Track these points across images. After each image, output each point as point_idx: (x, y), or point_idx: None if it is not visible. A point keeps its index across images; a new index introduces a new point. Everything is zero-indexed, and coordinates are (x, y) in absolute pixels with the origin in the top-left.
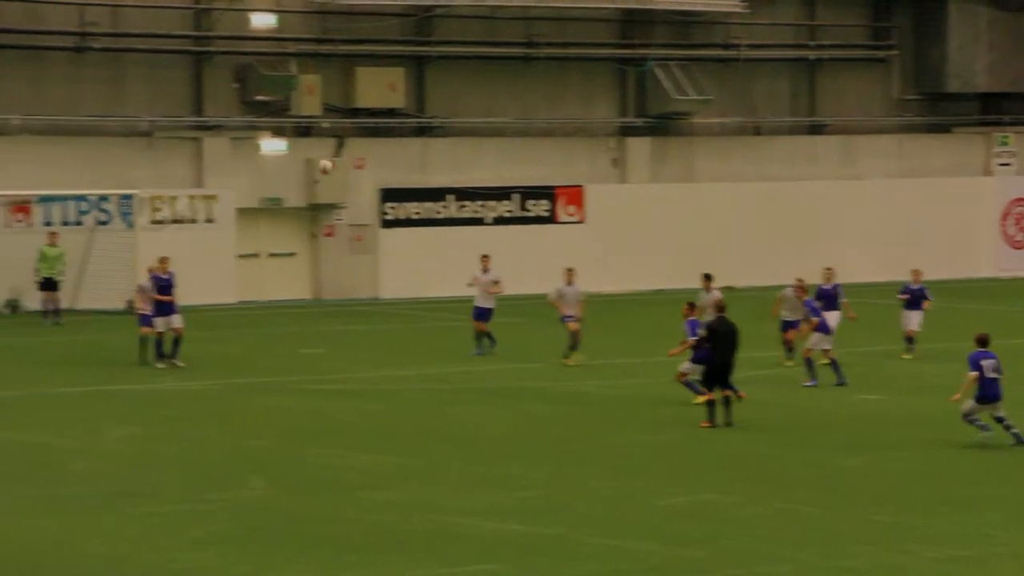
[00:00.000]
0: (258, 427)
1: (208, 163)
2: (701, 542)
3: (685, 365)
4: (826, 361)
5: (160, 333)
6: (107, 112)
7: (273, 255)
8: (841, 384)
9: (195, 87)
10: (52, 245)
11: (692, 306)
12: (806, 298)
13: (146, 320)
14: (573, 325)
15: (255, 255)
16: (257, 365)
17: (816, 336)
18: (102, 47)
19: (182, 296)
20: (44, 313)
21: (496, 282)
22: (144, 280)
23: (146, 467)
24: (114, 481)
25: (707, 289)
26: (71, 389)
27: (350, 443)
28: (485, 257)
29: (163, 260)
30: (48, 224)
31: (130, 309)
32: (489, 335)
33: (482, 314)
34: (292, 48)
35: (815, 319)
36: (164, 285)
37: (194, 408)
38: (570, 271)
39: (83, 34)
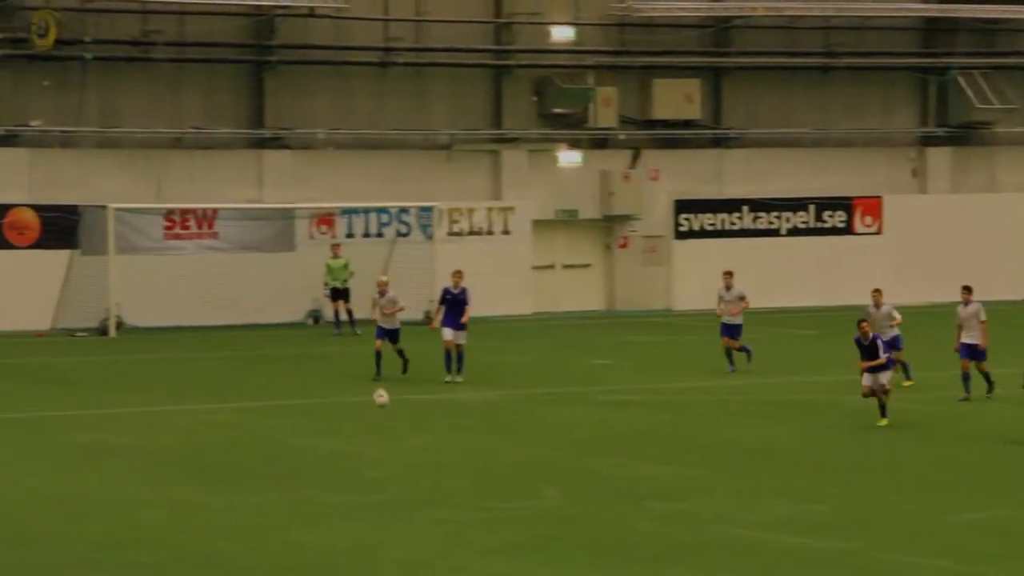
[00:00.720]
0: (550, 437)
1: (506, 175)
2: (1000, 558)
3: (885, 376)
4: None
5: (399, 349)
6: (409, 126)
7: (568, 266)
8: None
9: (494, 100)
10: (335, 257)
11: (864, 321)
12: None
13: (378, 333)
14: (899, 355)
15: (550, 266)
16: (550, 375)
17: None
18: (405, 62)
19: (479, 307)
20: (336, 323)
21: (741, 298)
22: (374, 293)
23: (440, 475)
24: (409, 489)
25: (966, 302)
26: (367, 398)
27: (640, 454)
28: (728, 274)
29: (456, 274)
30: (350, 236)
31: (428, 320)
32: (744, 349)
33: (729, 331)
34: (590, 60)
35: None
36: (453, 299)
37: (487, 418)
38: (877, 292)
39: (387, 49)
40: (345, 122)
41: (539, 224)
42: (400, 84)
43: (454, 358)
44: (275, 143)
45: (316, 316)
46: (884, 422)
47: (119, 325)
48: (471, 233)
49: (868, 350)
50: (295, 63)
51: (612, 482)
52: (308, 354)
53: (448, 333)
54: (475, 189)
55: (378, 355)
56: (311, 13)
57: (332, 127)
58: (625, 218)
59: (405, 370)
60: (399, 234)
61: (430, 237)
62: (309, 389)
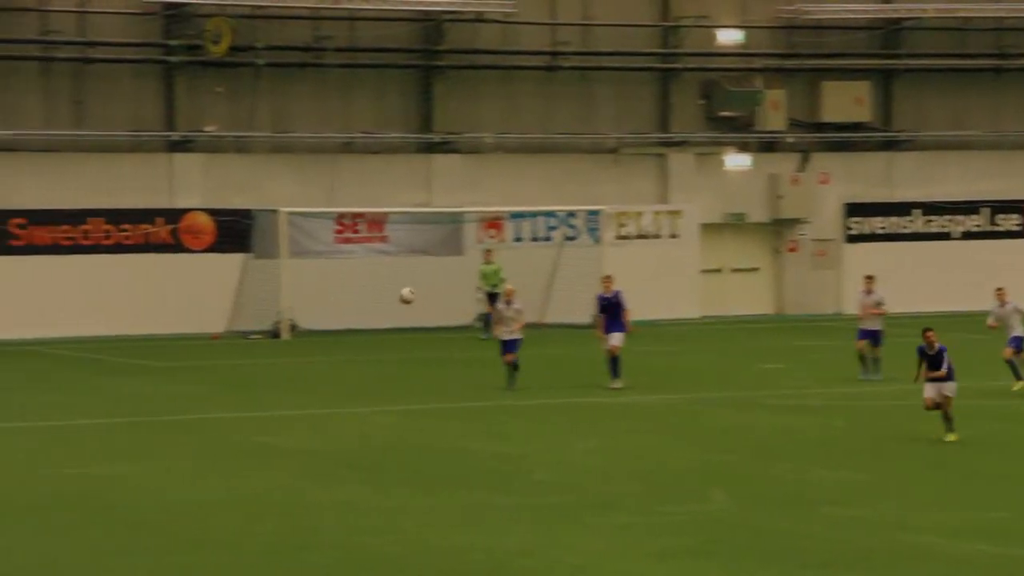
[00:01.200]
0: (719, 441)
1: (673, 179)
2: None
3: (949, 387)
4: None
5: (511, 361)
6: (576, 129)
7: (736, 270)
8: None
9: (661, 104)
10: (488, 263)
11: (930, 330)
12: None
13: (504, 346)
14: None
15: (718, 270)
16: (719, 379)
17: None
18: (572, 66)
19: (647, 311)
20: (484, 326)
21: (879, 304)
22: (502, 302)
23: (608, 478)
24: (577, 492)
25: None
26: (535, 401)
27: (813, 458)
28: (869, 278)
29: (607, 279)
30: (518, 240)
31: (595, 324)
32: (874, 359)
33: (868, 336)
34: (758, 63)
35: None
36: (607, 304)
37: (655, 421)
38: (1000, 291)
39: (555, 53)
40: (513, 126)
41: (707, 228)
42: (567, 88)
43: (613, 363)
44: (444, 147)
45: (486, 319)
46: (952, 437)
47: (292, 328)
48: (639, 237)
49: (933, 360)
50: (463, 67)
51: (783, 486)
52: (476, 357)
53: (604, 339)
54: (642, 193)
55: (509, 367)
56: (479, 18)
57: (500, 131)
58: (794, 222)
59: (516, 380)
60: (567, 238)
61: (598, 241)
62: (477, 392)
